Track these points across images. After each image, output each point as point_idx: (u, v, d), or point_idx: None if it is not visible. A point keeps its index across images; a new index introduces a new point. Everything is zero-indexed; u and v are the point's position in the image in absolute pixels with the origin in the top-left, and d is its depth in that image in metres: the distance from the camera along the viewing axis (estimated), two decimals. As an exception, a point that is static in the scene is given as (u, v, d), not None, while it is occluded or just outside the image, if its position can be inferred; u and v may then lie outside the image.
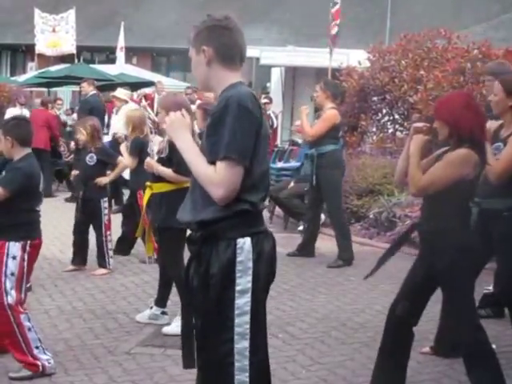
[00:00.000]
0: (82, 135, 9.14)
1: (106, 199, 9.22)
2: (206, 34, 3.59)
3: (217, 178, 3.35)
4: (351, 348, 6.43)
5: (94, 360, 6.07)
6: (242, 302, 3.42)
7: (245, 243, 3.42)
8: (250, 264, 3.42)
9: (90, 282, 8.59)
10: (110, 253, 9.15)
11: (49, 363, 5.68)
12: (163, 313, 7.03)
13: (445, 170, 4.91)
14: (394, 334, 5.22)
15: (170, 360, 6.06)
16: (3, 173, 5.83)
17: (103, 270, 8.99)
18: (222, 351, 3.44)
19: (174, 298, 6.94)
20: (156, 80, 22.18)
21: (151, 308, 7.07)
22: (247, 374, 3.45)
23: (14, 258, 5.59)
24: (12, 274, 5.59)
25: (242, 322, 3.42)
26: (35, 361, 5.61)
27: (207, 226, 3.46)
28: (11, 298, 5.59)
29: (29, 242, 5.66)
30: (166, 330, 6.74)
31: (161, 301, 7.05)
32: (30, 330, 5.64)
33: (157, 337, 6.66)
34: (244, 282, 3.42)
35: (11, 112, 15.41)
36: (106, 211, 9.20)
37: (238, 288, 3.41)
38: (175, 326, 6.70)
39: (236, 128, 3.35)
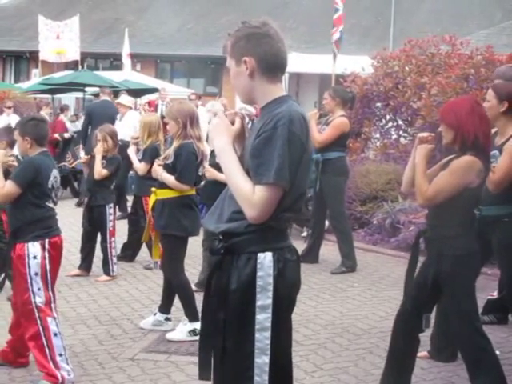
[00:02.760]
0: (102, 142, 9.18)
1: (111, 205, 9.23)
2: (245, 42, 3.40)
3: (255, 199, 3.26)
4: (355, 354, 6.43)
5: (98, 366, 6.08)
6: (263, 318, 3.34)
7: (265, 258, 3.34)
8: (271, 280, 3.34)
9: (93, 288, 8.59)
10: (114, 259, 9.16)
11: (69, 375, 5.61)
12: (167, 319, 7.03)
13: (450, 179, 4.90)
14: (403, 340, 5.21)
15: (173, 366, 6.07)
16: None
17: (107, 277, 9.01)
18: (241, 365, 3.38)
19: (178, 304, 6.93)
20: (160, 86, 22.25)
21: (155, 314, 7.07)
22: None
23: (34, 257, 5.58)
24: (36, 274, 5.58)
25: (262, 338, 3.35)
26: (56, 370, 5.55)
27: (229, 238, 3.39)
28: (40, 298, 5.59)
29: (47, 240, 5.66)
30: (169, 336, 6.74)
31: (165, 307, 7.05)
32: (55, 335, 5.60)
33: (161, 343, 6.65)
34: (264, 297, 3.34)
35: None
36: (111, 217, 9.20)
37: (258, 303, 3.34)
38: (179, 332, 6.71)
39: (284, 154, 3.24)
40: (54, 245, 5.72)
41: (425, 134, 5.17)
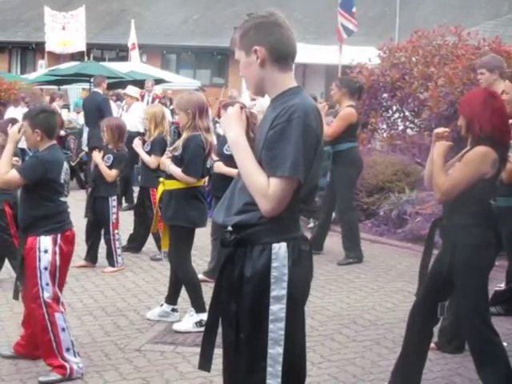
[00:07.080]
0: (107, 135, 9.17)
1: (114, 197, 9.20)
2: (254, 32, 3.37)
3: (270, 192, 3.24)
4: (362, 345, 6.42)
5: (104, 357, 6.08)
6: (277, 309, 3.33)
7: (280, 248, 3.32)
8: (286, 270, 3.31)
9: (100, 279, 8.60)
10: (119, 251, 9.15)
11: (78, 367, 5.62)
12: (173, 310, 7.03)
13: (464, 171, 4.87)
14: (417, 332, 5.19)
15: (180, 357, 6.07)
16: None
17: (113, 268, 9.01)
18: (254, 355, 3.36)
19: (185, 295, 6.93)
20: (166, 77, 22.22)
21: (162, 305, 7.07)
22: (279, 380, 3.36)
23: (45, 251, 5.54)
24: (45, 269, 5.54)
25: (276, 329, 3.33)
26: (63, 362, 5.55)
27: (242, 230, 3.37)
28: (48, 293, 5.56)
29: (59, 234, 5.61)
30: (176, 327, 6.74)
31: (171, 298, 7.05)
32: (63, 330, 5.58)
33: (167, 334, 6.66)
34: (279, 288, 3.32)
35: (11, 112, 15.41)
36: (115, 210, 9.18)
37: (272, 294, 3.32)
38: (185, 323, 6.72)
39: (299, 147, 3.22)
40: (66, 239, 5.67)
41: (440, 130, 5.12)
